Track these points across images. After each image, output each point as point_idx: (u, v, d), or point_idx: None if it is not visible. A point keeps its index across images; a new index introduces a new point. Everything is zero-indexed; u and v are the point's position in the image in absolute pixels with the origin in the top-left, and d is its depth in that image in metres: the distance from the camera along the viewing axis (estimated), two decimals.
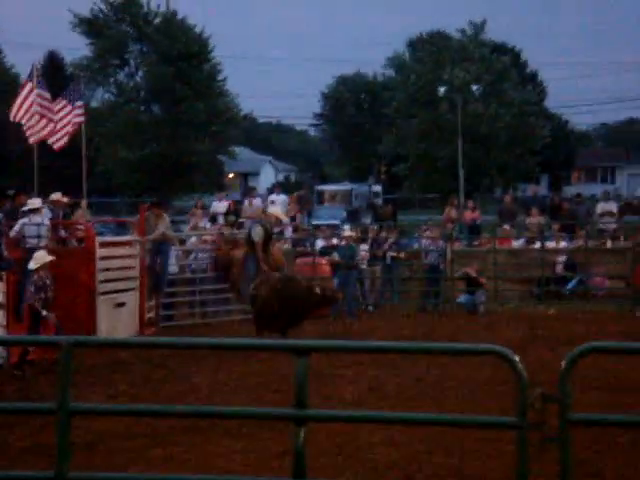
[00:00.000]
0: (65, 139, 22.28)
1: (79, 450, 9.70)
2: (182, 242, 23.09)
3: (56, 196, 19.90)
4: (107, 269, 18.50)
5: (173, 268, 21.79)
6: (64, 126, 22.17)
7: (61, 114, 22.11)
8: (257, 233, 18.32)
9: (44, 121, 21.73)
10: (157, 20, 61.21)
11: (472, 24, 63.31)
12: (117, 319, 18.33)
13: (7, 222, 17.67)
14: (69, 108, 22.25)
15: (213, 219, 27.20)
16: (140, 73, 62.19)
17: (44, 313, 15.39)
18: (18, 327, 15.77)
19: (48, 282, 15.59)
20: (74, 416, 6.03)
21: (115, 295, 18.56)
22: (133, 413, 7.42)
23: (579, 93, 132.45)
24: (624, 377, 13.65)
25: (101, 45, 60.43)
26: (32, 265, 15.59)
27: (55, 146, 22.35)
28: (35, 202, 17.98)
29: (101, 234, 22.43)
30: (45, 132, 21.87)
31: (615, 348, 6.32)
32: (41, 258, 15.62)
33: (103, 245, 18.82)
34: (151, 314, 20.02)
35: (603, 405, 11.47)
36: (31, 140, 21.97)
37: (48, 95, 22.21)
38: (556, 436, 5.47)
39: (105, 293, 18.25)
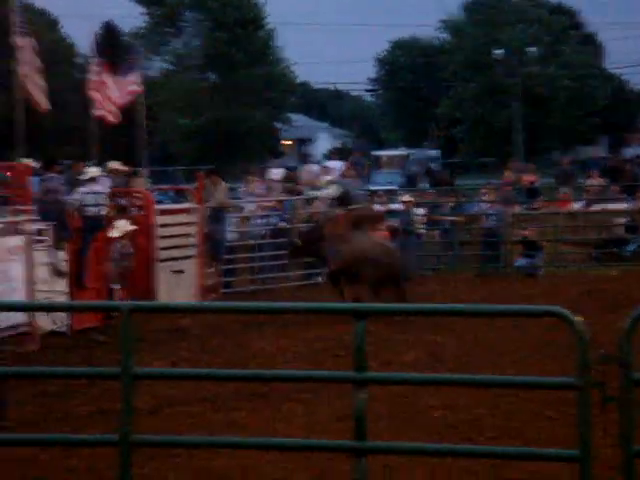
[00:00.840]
0: (118, 112, 22.36)
1: (142, 415, 9.84)
2: (240, 209, 23.15)
3: (115, 165, 20.03)
4: (166, 236, 18.64)
5: (233, 235, 21.93)
6: (118, 99, 22.24)
7: (116, 87, 22.18)
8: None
9: (102, 95, 21.83)
10: None
11: None
12: (176, 286, 18.47)
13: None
14: (126, 80, 22.31)
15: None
16: (195, 41, 62.34)
17: (112, 285, 15.59)
18: (81, 294, 15.97)
19: (130, 251, 15.93)
20: (137, 380, 6.11)
21: (174, 262, 18.70)
22: (195, 377, 7.50)
23: (639, 53, 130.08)
24: None
25: (156, 14, 60.63)
26: (114, 233, 15.93)
27: (110, 119, 22.43)
28: (94, 171, 18.13)
29: (160, 202, 22.56)
30: (104, 106, 21.95)
31: None
32: (123, 227, 16.02)
33: (162, 213, 18.97)
34: (211, 281, 20.15)
35: None
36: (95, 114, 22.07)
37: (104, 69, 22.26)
38: (618, 396, 5.45)
39: (164, 260, 18.40)
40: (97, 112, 21.56)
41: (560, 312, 5.58)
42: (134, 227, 16.37)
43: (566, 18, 63.12)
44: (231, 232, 21.89)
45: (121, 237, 15.99)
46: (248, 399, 10.78)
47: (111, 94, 21.68)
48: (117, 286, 15.67)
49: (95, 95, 21.36)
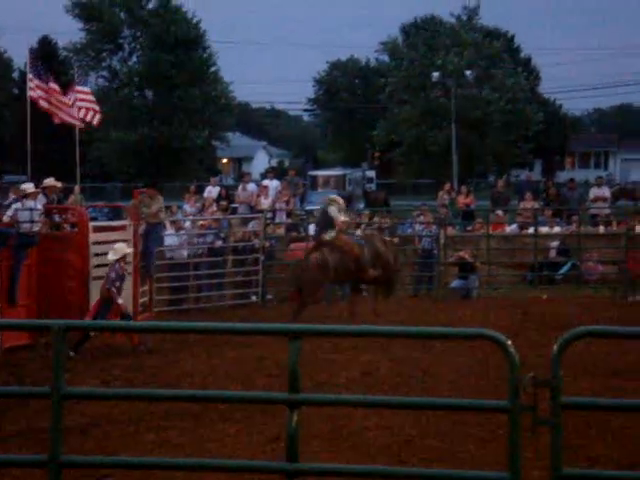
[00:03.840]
0: (97, 116, 22.34)
1: (73, 434, 9.74)
2: (179, 227, 23.02)
3: (49, 181, 19.84)
4: (100, 254, 18.48)
5: (182, 253, 21.91)
6: (88, 106, 22.19)
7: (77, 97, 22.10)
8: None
9: (55, 101, 21.74)
10: (150, 5, 61.14)
11: (466, 9, 63.34)
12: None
13: None
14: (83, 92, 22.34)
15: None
16: (134, 58, 62.14)
17: (120, 301, 15.88)
18: (11, 312, 15.76)
19: (124, 273, 16.15)
20: (67, 400, 6.05)
21: None
22: (126, 397, 7.43)
23: (572, 78, 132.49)
24: (617, 362, 13.70)
25: (95, 29, 60.35)
26: (112, 256, 16.03)
27: (95, 122, 22.39)
28: (28, 187, 17.93)
29: (95, 219, 22.38)
30: (70, 113, 21.84)
31: (607, 332, 6.34)
32: (121, 250, 16.14)
33: (96, 230, 18.80)
34: (144, 299, 20.02)
35: (595, 390, 11.51)
36: (56, 120, 21.90)
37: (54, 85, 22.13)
38: (548, 419, 5.50)
39: (98, 278, 18.22)
40: (58, 119, 21.41)
41: (492, 335, 5.62)
42: (131, 250, 16.69)
43: (500, 42, 63.89)
44: (180, 249, 21.88)
45: (118, 260, 16.03)
46: (181, 419, 10.72)
47: (67, 101, 21.57)
48: (124, 303, 16.05)
49: (46, 104, 21.20)
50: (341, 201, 19.49)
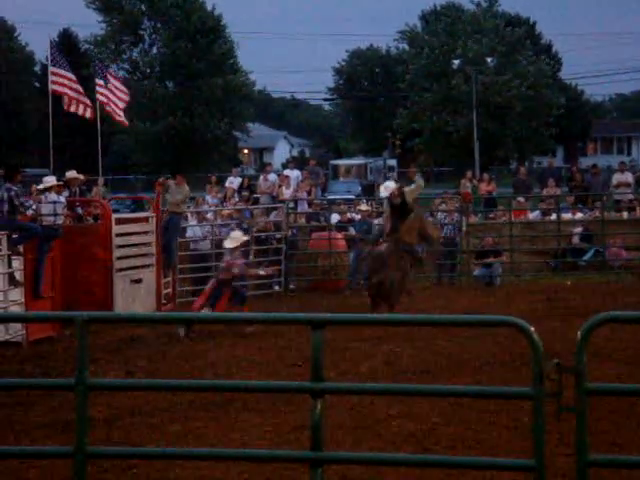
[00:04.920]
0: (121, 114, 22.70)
1: (98, 426, 9.78)
2: (202, 218, 23.07)
3: (71, 174, 19.93)
4: (123, 246, 18.55)
5: (205, 244, 21.98)
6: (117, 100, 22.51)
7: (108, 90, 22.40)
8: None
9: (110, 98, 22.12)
10: None
11: None
12: (134, 295, 18.40)
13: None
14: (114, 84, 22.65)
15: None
16: (154, 49, 62.24)
17: (262, 272, 17.59)
18: (36, 304, 15.85)
19: (242, 260, 16.88)
20: (92, 391, 6.07)
21: (132, 272, 18.62)
22: (150, 388, 7.47)
23: (594, 64, 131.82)
24: None
25: (115, 21, 60.48)
26: (229, 244, 16.62)
27: (119, 119, 22.76)
28: (50, 180, 18.01)
29: (117, 211, 22.48)
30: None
31: (630, 318, 6.31)
32: (238, 237, 16.80)
33: (119, 222, 18.87)
34: (167, 290, 20.10)
35: (620, 376, 11.47)
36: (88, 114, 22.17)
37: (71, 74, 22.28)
38: (572, 406, 5.48)
39: (122, 270, 18.31)
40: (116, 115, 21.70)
41: (515, 322, 5.61)
42: (247, 237, 17.34)
43: (522, 29, 63.61)
44: (202, 240, 21.95)
45: (235, 248, 16.60)
46: (205, 409, 10.74)
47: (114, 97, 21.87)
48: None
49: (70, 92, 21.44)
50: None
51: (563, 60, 70.72)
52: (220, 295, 16.26)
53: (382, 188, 18.65)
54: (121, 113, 22.91)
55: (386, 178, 48.15)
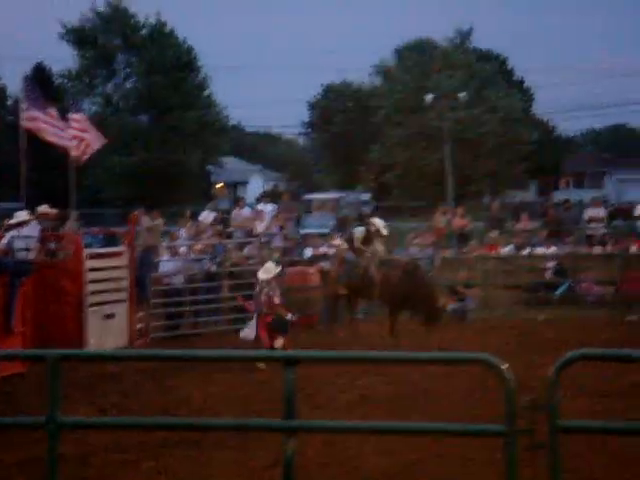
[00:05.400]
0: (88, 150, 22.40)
1: (71, 462, 9.70)
2: (175, 252, 23.00)
3: (44, 208, 19.86)
4: (96, 281, 18.48)
5: (179, 278, 21.90)
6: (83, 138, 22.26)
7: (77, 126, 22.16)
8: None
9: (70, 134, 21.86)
10: (144, 31, 61.34)
11: (458, 32, 63.63)
12: (107, 331, 18.31)
13: None
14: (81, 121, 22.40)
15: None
16: (128, 83, 62.32)
17: (289, 316, 17.34)
18: (7, 340, 15.73)
19: (277, 292, 17.31)
20: (63, 429, 6.03)
21: (104, 307, 18.54)
22: (122, 426, 7.42)
23: (566, 99, 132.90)
24: (615, 382, 13.68)
25: (89, 55, 60.53)
26: (263, 275, 17.20)
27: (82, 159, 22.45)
28: (23, 214, 17.94)
29: (90, 245, 22.38)
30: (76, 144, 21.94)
31: (603, 355, 6.34)
32: (271, 269, 17.36)
33: (92, 257, 18.80)
34: (141, 325, 20.01)
35: (593, 411, 11.50)
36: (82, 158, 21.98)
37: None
38: (545, 443, 5.49)
39: (94, 305, 18.23)
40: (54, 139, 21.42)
41: (487, 360, 5.62)
42: (279, 268, 17.82)
43: (494, 64, 64.16)
44: (175, 274, 21.86)
45: (269, 280, 17.15)
46: (178, 445, 10.69)
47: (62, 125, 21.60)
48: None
49: (44, 126, 21.24)
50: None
51: (535, 95, 71.37)
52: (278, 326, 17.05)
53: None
54: (84, 148, 22.43)
55: (360, 211, 48.27)
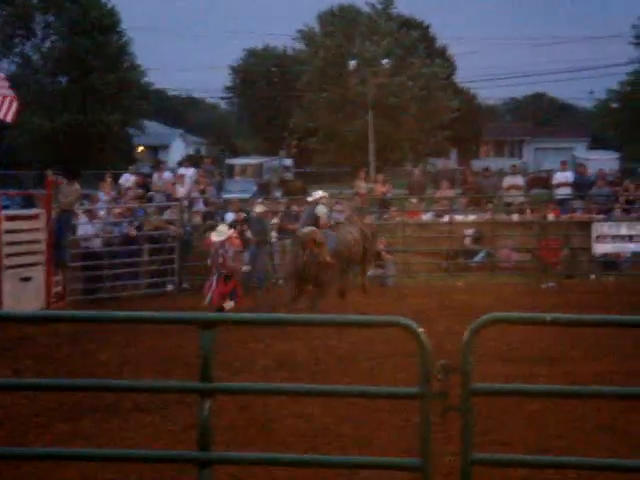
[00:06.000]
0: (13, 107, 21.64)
1: None
2: (93, 215, 22.75)
3: None
4: (12, 243, 18.23)
5: (97, 242, 21.72)
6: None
7: None
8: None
9: None
10: None
11: None
12: (23, 294, 18.09)
13: None
14: None
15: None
16: (47, 44, 61.25)
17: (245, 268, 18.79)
18: None
19: (235, 250, 17.82)
20: None
21: (21, 269, 18.31)
22: (35, 387, 7.34)
23: (487, 67, 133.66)
24: (530, 348, 13.91)
25: (6, 14, 59.33)
26: (216, 237, 17.56)
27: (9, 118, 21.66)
28: None
29: (7, 207, 22.05)
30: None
31: (515, 319, 6.43)
32: (224, 231, 17.80)
33: (8, 218, 18.53)
34: (58, 288, 19.80)
35: (508, 376, 11.67)
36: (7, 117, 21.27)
37: None
38: (458, 406, 5.56)
39: (10, 267, 17.99)
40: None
41: (404, 323, 5.67)
42: (233, 230, 18.29)
43: (417, 32, 64.26)
44: (94, 237, 21.67)
45: (223, 241, 17.47)
46: (94, 409, 10.61)
47: None
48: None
49: None
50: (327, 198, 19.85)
51: (457, 64, 71.69)
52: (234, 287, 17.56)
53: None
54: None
55: (282, 177, 48.21)
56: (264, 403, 10.49)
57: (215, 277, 17.57)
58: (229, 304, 17.24)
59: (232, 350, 13.48)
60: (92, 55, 58.52)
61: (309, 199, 19.50)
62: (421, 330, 5.62)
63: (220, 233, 17.70)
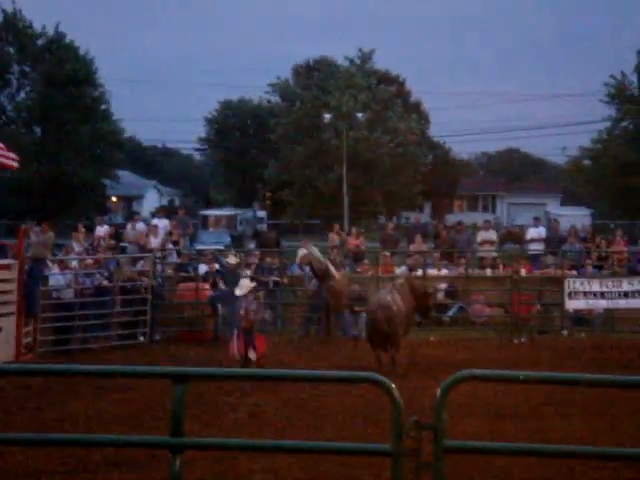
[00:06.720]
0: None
1: None
2: (65, 266, 22.61)
3: None
4: None
5: (69, 292, 21.53)
6: None
7: None
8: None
9: None
10: (41, 41, 60.38)
11: (361, 52, 64.08)
12: None
13: None
14: None
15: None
16: (22, 94, 61.22)
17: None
18: None
19: (256, 304, 18.30)
20: None
21: None
22: (4, 442, 7.23)
23: (461, 123, 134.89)
24: (501, 403, 13.87)
25: None
26: (239, 292, 17.88)
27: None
28: None
29: None
30: None
31: (490, 376, 6.41)
32: (246, 285, 18.05)
33: None
34: (28, 339, 19.62)
35: (479, 432, 11.62)
36: None
37: None
38: (430, 463, 5.52)
39: None
40: None
41: (377, 379, 5.64)
42: (255, 283, 18.68)
43: (393, 87, 64.74)
44: (66, 288, 21.49)
45: (246, 294, 17.78)
46: (63, 463, 10.46)
47: None
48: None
49: None
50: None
51: (431, 118, 72.21)
52: (252, 338, 17.73)
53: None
54: None
55: (256, 229, 48.22)
56: (235, 457, 10.38)
57: (235, 331, 17.88)
58: (253, 354, 17.49)
59: (204, 404, 13.35)
60: (67, 107, 58.52)
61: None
62: (394, 387, 5.59)
63: (242, 287, 17.97)
